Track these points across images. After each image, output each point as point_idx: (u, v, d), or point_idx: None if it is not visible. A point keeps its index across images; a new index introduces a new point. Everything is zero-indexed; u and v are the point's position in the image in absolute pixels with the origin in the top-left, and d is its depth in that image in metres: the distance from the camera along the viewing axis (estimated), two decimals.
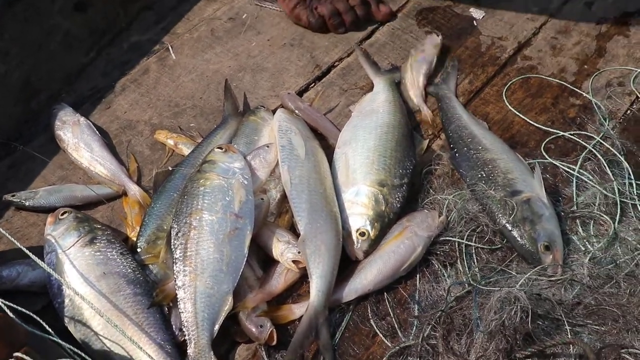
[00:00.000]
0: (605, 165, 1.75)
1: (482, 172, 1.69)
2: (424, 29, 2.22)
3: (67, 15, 2.00)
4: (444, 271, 1.55)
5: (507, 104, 1.98)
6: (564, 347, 1.37)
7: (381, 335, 1.47)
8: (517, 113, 1.94)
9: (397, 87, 1.97)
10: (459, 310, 1.43)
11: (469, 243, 1.59)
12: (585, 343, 1.35)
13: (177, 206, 1.51)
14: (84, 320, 1.38)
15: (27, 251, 1.32)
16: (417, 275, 1.55)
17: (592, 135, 1.85)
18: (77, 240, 1.48)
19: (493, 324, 1.34)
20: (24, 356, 1.08)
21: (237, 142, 1.73)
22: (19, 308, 1.23)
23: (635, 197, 1.68)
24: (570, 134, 1.86)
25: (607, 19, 2.25)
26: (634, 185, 1.71)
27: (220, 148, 1.62)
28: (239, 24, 2.25)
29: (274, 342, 1.41)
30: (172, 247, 1.44)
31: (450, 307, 1.44)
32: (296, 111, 1.86)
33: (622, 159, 1.77)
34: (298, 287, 1.53)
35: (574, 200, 1.70)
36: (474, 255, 1.58)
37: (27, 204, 1.66)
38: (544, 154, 1.81)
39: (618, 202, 1.66)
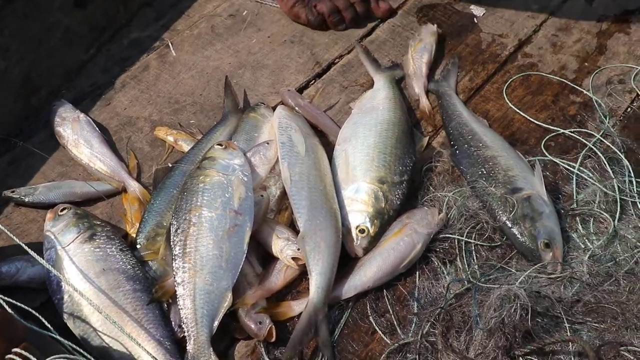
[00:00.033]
0: (606, 162, 1.75)
1: (483, 169, 1.69)
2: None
3: (67, 12, 2.00)
4: (443, 268, 1.55)
5: (508, 101, 1.97)
6: (563, 344, 1.37)
7: (380, 332, 1.47)
8: (518, 110, 1.94)
9: (398, 84, 1.97)
10: (459, 307, 1.42)
11: (469, 240, 1.59)
12: (585, 340, 1.35)
13: (177, 203, 1.51)
14: (83, 317, 1.38)
15: (26, 247, 1.32)
16: (417, 273, 1.55)
17: (593, 132, 1.85)
18: (77, 237, 1.48)
19: (492, 322, 1.34)
20: (23, 352, 1.08)
21: (237, 139, 1.73)
22: (18, 304, 1.23)
23: (635, 194, 1.68)
24: (571, 132, 1.86)
25: (608, 16, 2.25)
26: (634, 182, 1.70)
27: (220, 145, 1.62)
28: (239, 21, 2.24)
29: (273, 339, 1.41)
30: (171, 243, 1.44)
31: (449, 305, 1.44)
32: (296, 108, 1.86)
33: (622, 156, 1.76)
34: (297, 283, 1.53)
35: (574, 197, 1.69)
36: (473, 253, 1.58)
37: (26, 200, 1.66)
38: (544, 151, 1.81)
39: (618, 199, 1.66)
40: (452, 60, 2.08)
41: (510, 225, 1.58)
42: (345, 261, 1.53)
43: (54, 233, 1.49)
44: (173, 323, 1.41)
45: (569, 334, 1.39)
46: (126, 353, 1.34)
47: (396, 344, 1.42)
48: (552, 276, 1.49)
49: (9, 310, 1.21)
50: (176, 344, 1.38)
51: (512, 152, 1.74)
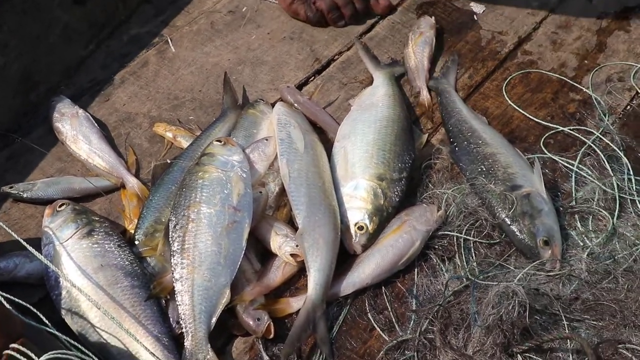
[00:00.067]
0: (605, 160, 1.75)
1: (482, 166, 1.69)
2: None
3: (66, 8, 1.99)
4: (442, 265, 1.55)
5: (507, 98, 1.97)
6: (562, 342, 1.38)
7: (378, 329, 1.47)
8: (517, 108, 1.94)
9: (397, 81, 1.97)
10: (457, 304, 1.43)
11: (468, 237, 1.59)
12: (583, 338, 1.35)
13: (176, 199, 1.51)
14: (81, 313, 1.37)
15: (24, 243, 1.32)
16: (415, 270, 1.55)
17: (592, 130, 1.85)
18: (75, 232, 1.47)
19: (491, 319, 1.34)
20: (21, 347, 1.08)
21: (236, 135, 1.72)
22: (16, 299, 1.23)
23: (634, 192, 1.68)
24: (570, 129, 1.86)
25: (608, 13, 2.25)
26: (633, 180, 1.70)
27: (219, 141, 1.62)
28: (238, 17, 2.24)
29: (271, 336, 1.41)
30: (170, 239, 1.44)
31: (448, 302, 1.44)
32: (295, 105, 1.85)
33: (622, 154, 1.76)
34: (296, 280, 1.53)
35: (573, 195, 1.69)
36: (472, 250, 1.58)
37: (25, 195, 1.66)
38: (543, 148, 1.81)
39: (617, 197, 1.66)
40: (451, 57, 2.08)
41: (509, 222, 1.58)
42: (344, 258, 1.53)
43: (52, 229, 1.49)
44: (171, 319, 1.41)
45: (567, 331, 1.39)
46: (124, 349, 1.34)
47: (394, 341, 1.43)
48: (551, 274, 1.49)
49: (7, 305, 1.21)
50: (174, 340, 1.38)
51: (512, 150, 1.74)
